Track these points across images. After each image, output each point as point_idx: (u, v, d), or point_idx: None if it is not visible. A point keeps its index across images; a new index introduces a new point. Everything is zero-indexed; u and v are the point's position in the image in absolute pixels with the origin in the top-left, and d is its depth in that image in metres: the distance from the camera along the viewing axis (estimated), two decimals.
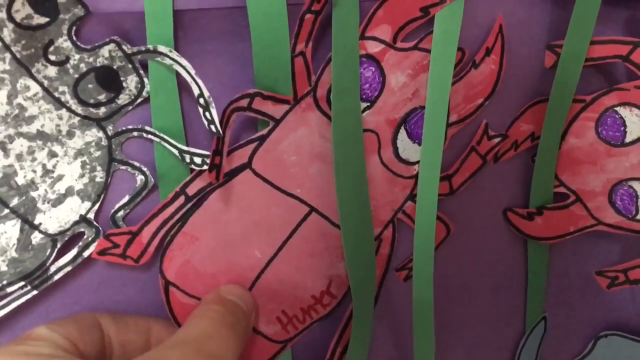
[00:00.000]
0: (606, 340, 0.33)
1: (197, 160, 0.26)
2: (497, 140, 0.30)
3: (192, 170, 0.27)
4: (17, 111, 0.25)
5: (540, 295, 0.32)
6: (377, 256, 0.30)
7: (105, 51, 0.25)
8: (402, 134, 0.29)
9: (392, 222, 0.30)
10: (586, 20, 0.28)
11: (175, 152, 0.26)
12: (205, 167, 0.26)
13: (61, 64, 0.25)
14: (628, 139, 0.30)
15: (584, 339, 0.34)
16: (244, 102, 0.26)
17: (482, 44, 0.28)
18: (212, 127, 0.25)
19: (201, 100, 0.25)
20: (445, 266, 0.31)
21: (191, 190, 0.27)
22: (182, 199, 0.27)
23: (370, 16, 0.27)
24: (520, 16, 0.29)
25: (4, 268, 0.25)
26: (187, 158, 0.26)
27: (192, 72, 0.25)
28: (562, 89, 0.29)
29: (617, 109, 0.30)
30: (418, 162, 0.29)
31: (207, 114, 0.25)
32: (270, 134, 0.27)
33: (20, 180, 0.25)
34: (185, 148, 0.26)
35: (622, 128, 0.30)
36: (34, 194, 0.25)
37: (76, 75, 0.25)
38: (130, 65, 0.25)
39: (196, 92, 0.25)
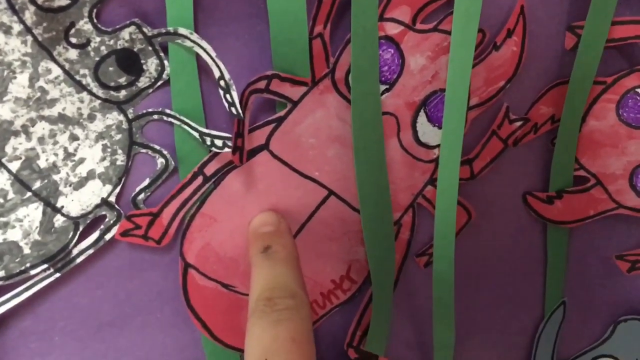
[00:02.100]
0: (626, 324, 0.33)
1: (218, 142, 0.26)
2: (518, 124, 0.29)
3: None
4: (38, 94, 0.25)
5: (559, 279, 0.32)
6: (396, 241, 0.29)
7: (125, 34, 0.25)
8: (422, 117, 0.28)
9: (412, 206, 0.29)
10: (607, 0, 0.28)
11: (196, 134, 0.26)
12: (227, 149, 0.26)
13: (82, 46, 0.25)
14: None
15: (603, 324, 0.33)
16: (262, 84, 0.26)
17: (503, 25, 0.28)
18: (233, 109, 0.25)
19: (222, 83, 0.25)
20: (464, 250, 0.31)
21: (209, 170, 0.27)
22: (200, 179, 0.27)
23: None
24: None
25: (27, 251, 0.25)
26: (208, 140, 0.26)
27: (213, 54, 0.25)
28: (583, 71, 0.29)
29: (638, 90, 0.30)
30: (438, 145, 0.29)
31: (227, 96, 0.25)
32: (288, 115, 0.27)
33: (42, 163, 0.25)
34: (205, 130, 0.26)
35: None
36: (56, 177, 0.25)
37: (97, 58, 0.25)
38: (150, 48, 0.25)
39: (217, 74, 0.25)
